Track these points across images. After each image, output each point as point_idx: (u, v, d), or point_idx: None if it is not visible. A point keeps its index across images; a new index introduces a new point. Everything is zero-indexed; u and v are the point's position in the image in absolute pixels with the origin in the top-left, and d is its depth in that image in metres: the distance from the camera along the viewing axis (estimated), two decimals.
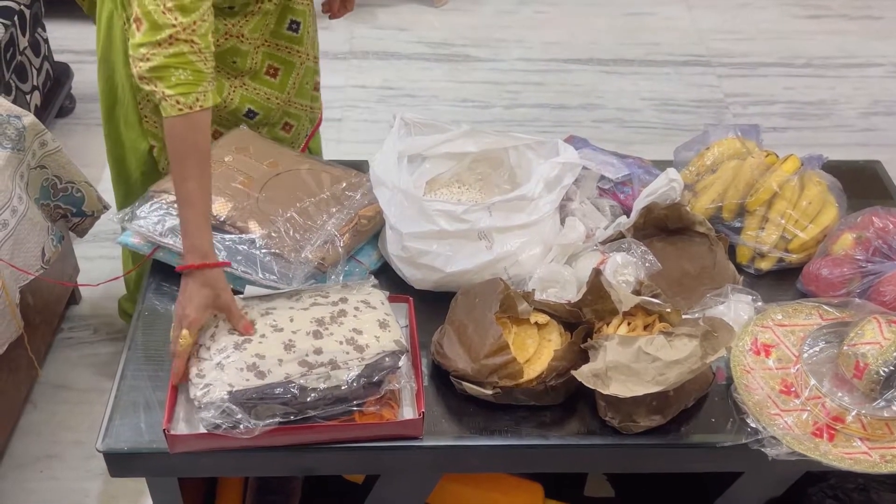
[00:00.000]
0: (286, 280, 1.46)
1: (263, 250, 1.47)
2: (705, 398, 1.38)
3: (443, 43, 3.48)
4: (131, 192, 1.90)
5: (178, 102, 1.32)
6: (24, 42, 2.67)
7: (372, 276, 1.49)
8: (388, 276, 1.55)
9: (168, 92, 1.32)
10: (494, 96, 3.23)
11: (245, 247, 1.48)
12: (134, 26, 1.35)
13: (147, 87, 1.35)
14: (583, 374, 1.29)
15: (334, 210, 1.57)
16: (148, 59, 1.33)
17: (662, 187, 1.55)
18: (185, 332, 1.31)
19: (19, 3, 2.65)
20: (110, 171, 1.93)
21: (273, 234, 1.49)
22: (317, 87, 1.97)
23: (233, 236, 1.49)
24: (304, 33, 1.80)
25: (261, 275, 1.47)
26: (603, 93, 3.27)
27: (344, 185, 1.62)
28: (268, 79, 1.81)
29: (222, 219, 1.50)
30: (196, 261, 1.33)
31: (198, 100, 1.34)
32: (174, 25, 1.32)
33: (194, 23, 1.33)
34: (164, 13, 1.31)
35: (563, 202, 1.59)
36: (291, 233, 1.50)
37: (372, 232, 1.61)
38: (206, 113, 1.36)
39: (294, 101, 1.88)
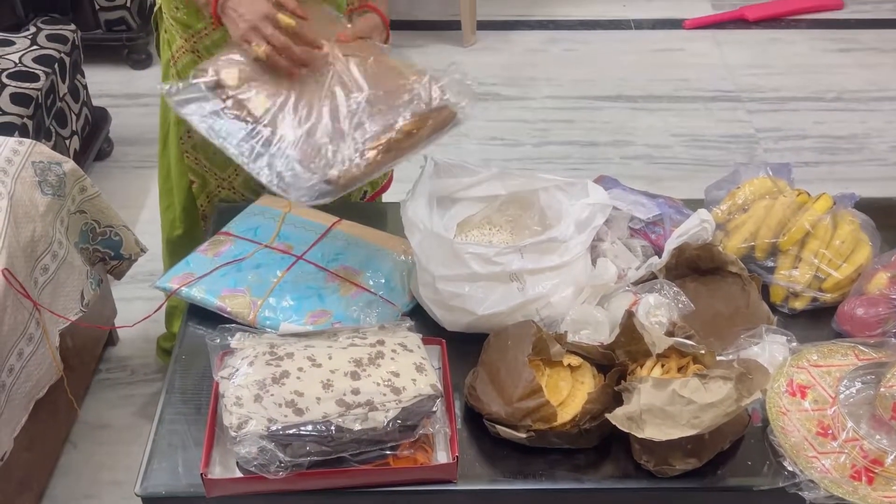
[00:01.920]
0: (287, 189, 1.40)
1: (288, 153, 1.41)
2: (741, 441, 1.37)
3: (472, 82, 3.52)
4: (176, 225, 1.95)
5: None
6: (63, 89, 2.74)
7: (407, 319, 1.50)
8: (420, 318, 1.56)
9: None
10: (524, 134, 3.26)
11: (266, 147, 1.42)
12: None
13: None
14: (617, 417, 1.29)
15: (375, 113, 1.48)
16: None
17: (694, 228, 1.56)
18: (279, 15, 1.45)
19: (59, 51, 2.72)
20: (160, 201, 1.99)
21: (296, 138, 1.43)
22: None
23: (260, 129, 1.43)
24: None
25: (272, 179, 1.40)
26: (632, 129, 3.28)
27: (392, 84, 1.51)
28: None
29: (258, 115, 1.44)
30: None
31: None
32: None
33: None
34: None
35: (595, 243, 1.60)
36: (318, 136, 1.43)
37: (409, 152, 1.49)
38: None
39: None
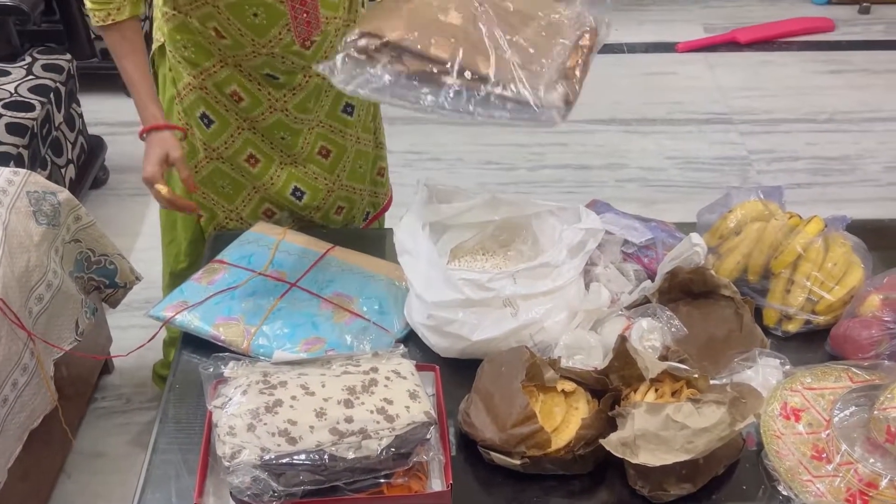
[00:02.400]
0: (544, 118, 1.37)
1: (503, 89, 1.37)
2: (736, 465, 1.37)
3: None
4: (180, 258, 1.95)
5: (96, 15, 1.59)
6: (59, 118, 2.75)
7: (401, 346, 1.50)
8: (413, 344, 1.56)
9: (88, 6, 1.60)
10: (518, 158, 3.27)
11: (474, 88, 1.36)
12: None
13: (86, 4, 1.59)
14: (611, 442, 1.29)
15: (556, 37, 1.46)
16: None
17: (686, 252, 1.56)
18: (157, 186, 1.58)
19: (55, 81, 2.74)
20: (162, 235, 1.99)
21: (510, 70, 1.37)
22: (381, 173, 2.01)
23: (459, 80, 1.35)
24: (357, 116, 1.84)
25: (504, 114, 1.36)
26: (626, 152, 3.30)
27: (547, 13, 1.50)
28: (319, 159, 1.85)
29: (446, 59, 1.37)
30: (147, 126, 1.62)
31: (109, 14, 1.59)
32: None
33: None
34: None
35: (588, 267, 1.60)
36: (531, 68, 1.39)
37: (589, 68, 1.49)
38: (126, 24, 1.61)
39: (346, 184, 1.92)
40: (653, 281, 1.60)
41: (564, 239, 1.56)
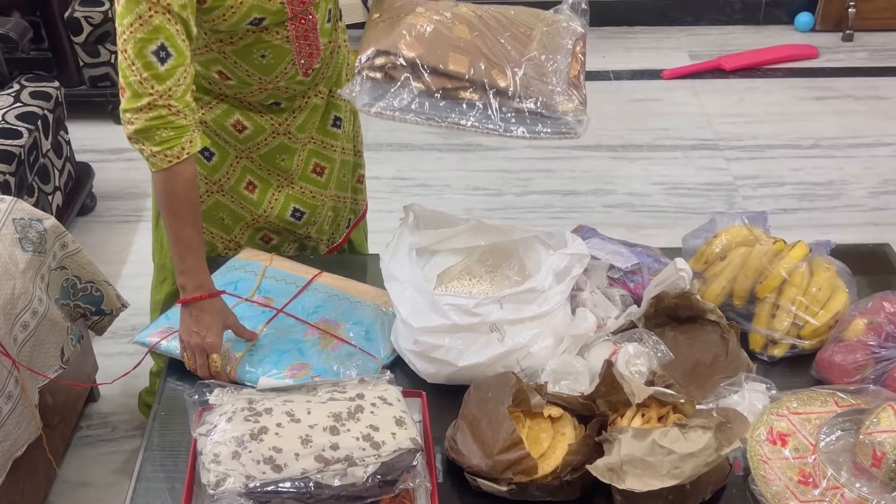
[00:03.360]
0: (565, 129, 1.38)
1: (524, 103, 1.38)
2: (723, 490, 1.37)
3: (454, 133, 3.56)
4: (170, 282, 1.95)
5: (166, 155, 1.45)
6: (46, 145, 2.75)
7: (387, 372, 1.50)
8: (400, 370, 1.56)
9: (155, 149, 1.45)
10: (506, 184, 3.29)
11: (496, 103, 1.38)
12: (120, 93, 1.45)
13: (136, 147, 1.47)
14: (598, 468, 1.29)
15: (558, 45, 1.47)
16: (132, 123, 1.45)
17: (671, 277, 1.57)
18: (214, 356, 1.50)
19: (43, 108, 2.74)
20: (153, 256, 1.98)
21: (526, 84, 1.38)
22: (360, 180, 2.02)
23: (478, 95, 1.37)
24: (343, 129, 1.85)
25: (523, 131, 1.37)
26: (613, 178, 3.31)
27: (541, 24, 1.51)
28: (314, 177, 1.86)
29: (463, 74, 1.37)
30: (204, 293, 1.51)
31: (183, 148, 1.46)
32: (151, 94, 1.42)
33: (170, 89, 1.44)
34: (141, 83, 1.42)
35: (574, 292, 1.61)
36: (543, 79, 1.40)
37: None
38: (191, 162, 1.48)
39: (334, 194, 1.93)
40: (639, 306, 1.61)
41: (551, 264, 1.56)
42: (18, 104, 2.71)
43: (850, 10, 4.10)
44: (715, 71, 3.96)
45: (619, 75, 3.95)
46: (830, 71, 3.98)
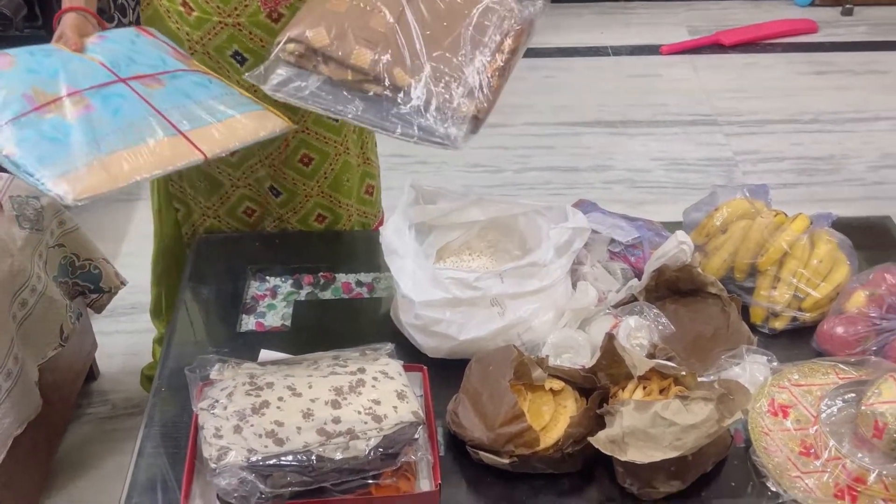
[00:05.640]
0: (446, 141, 1.35)
1: (420, 104, 1.36)
2: (724, 462, 1.37)
3: None
4: (163, 253, 1.95)
5: None
6: None
7: (389, 345, 1.49)
8: (401, 345, 1.55)
9: None
10: (505, 161, 3.27)
11: (393, 106, 1.36)
12: None
13: None
14: (599, 440, 1.29)
15: (478, 42, 1.41)
16: None
17: (672, 250, 1.56)
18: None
19: None
20: (155, 238, 1.99)
21: (424, 85, 1.36)
22: (370, 191, 1.98)
23: (378, 90, 1.35)
24: (343, 125, 1.83)
25: (415, 132, 1.35)
26: (612, 154, 3.30)
27: (482, 7, 1.45)
28: (300, 167, 1.84)
29: (366, 70, 1.36)
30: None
31: None
32: None
33: None
34: None
35: (575, 266, 1.60)
36: (445, 80, 1.36)
37: (512, 70, 1.44)
38: None
39: (328, 192, 1.90)
40: (639, 279, 1.60)
41: (551, 238, 1.55)
42: None
43: None
44: (714, 46, 3.94)
45: (617, 51, 3.93)
46: (830, 45, 3.96)
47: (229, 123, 1.48)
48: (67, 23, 1.56)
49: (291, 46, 1.40)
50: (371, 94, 1.38)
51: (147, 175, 1.37)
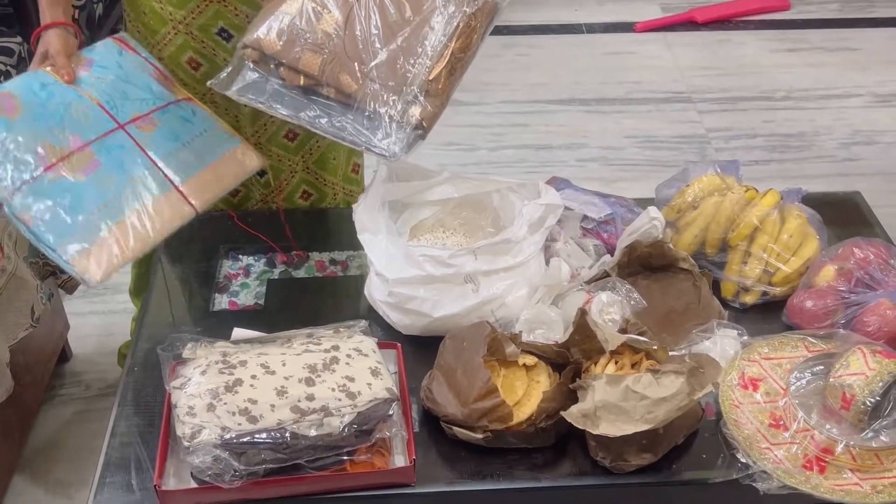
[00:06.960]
0: (386, 151, 1.35)
1: (363, 112, 1.35)
2: (695, 435, 1.38)
3: None
4: None
5: None
6: None
7: (363, 322, 1.49)
8: (375, 322, 1.55)
9: None
10: (479, 139, 3.27)
11: (341, 113, 1.36)
12: None
13: None
14: (572, 414, 1.30)
15: (425, 42, 1.39)
16: None
17: (644, 226, 1.57)
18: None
19: (6, 64, 2.68)
20: None
21: (370, 92, 1.35)
22: (355, 169, 1.98)
23: (325, 99, 1.36)
24: None
25: (360, 140, 1.34)
26: (586, 132, 3.31)
27: (435, 3, 1.42)
28: (285, 142, 1.83)
29: (315, 76, 1.36)
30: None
31: None
32: None
33: None
34: None
35: (548, 243, 1.61)
36: (390, 83, 1.34)
37: (468, 64, 1.42)
38: None
39: (313, 169, 1.89)
40: (612, 255, 1.61)
41: (525, 215, 1.56)
42: None
43: None
44: (687, 23, 3.95)
45: (591, 28, 3.93)
46: (802, 23, 3.98)
47: (215, 168, 1.56)
48: (53, 43, 1.52)
49: (248, 52, 1.41)
50: (323, 99, 1.39)
51: (152, 247, 1.46)
